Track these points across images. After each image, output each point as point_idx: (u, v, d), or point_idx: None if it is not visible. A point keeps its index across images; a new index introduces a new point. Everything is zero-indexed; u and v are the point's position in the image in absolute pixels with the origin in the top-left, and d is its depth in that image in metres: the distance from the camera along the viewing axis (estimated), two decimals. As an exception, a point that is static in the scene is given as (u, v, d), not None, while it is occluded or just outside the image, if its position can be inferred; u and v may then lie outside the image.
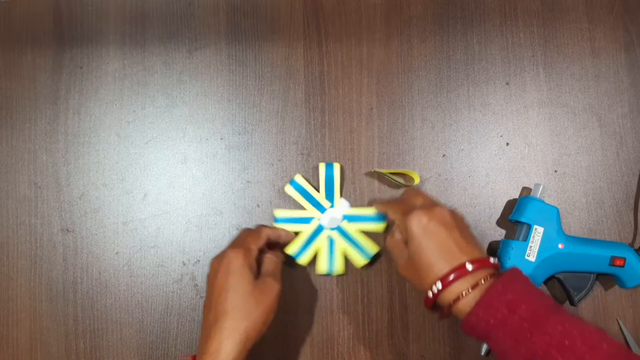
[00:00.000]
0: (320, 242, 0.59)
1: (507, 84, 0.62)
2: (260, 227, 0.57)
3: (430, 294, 0.47)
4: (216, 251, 0.59)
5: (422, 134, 0.62)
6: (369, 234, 0.60)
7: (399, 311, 0.60)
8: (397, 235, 0.52)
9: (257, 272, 0.52)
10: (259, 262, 0.54)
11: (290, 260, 0.60)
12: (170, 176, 0.62)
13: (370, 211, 0.59)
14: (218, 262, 0.51)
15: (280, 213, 0.60)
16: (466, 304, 0.46)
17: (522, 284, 0.45)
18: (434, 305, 0.48)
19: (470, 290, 0.45)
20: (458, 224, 0.49)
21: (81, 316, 0.61)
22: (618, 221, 0.60)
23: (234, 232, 0.61)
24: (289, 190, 0.60)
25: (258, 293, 0.50)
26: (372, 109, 0.62)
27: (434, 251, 0.47)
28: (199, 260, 0.61)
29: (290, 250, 0.58)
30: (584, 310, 0.59)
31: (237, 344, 0.48)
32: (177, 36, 0.64)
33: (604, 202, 0.60)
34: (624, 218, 0.60)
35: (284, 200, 0.61)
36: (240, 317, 0.48)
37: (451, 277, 0.46)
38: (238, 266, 0.50)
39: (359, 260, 0.58)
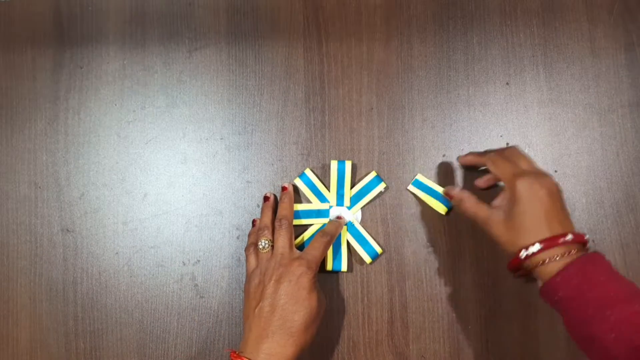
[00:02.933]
0: (346, 239, 0.60)
1: (507, 84, 0.62)
2: (330, 236, 0.56)
3: (523, 254, 0.49)
4: (216, 251, 0.60)
5: (422, 134, 0.62)
6: (374, 234, 0.60)
7: (399, 311, 0.60)
8: (474, 199, 0.54)
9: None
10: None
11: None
12: (170, 176, 0.62)
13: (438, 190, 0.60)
14: (303, 272, 0.52)
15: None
16: (550, 270, 0.48)
17: (599, 268, 0.47)
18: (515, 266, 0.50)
19: (558, 258, 0.47)
20: (561, 196, 0.51)
21: (81, 316, 0.60)
22: (618, 221, 0.60)
23: (234, 232, 0.61)
24: (299, 183, 0.60)
25: (318, 320, 0.53)
26: (372, 109, 0.62)
27: (540, 217, 0.49)
28: (199, 260, 0.61)
29: (329, 266, 0.59)
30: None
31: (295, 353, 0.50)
32: (177, 36, 0.63)
33: (604, 202, 0.60)
34: (624, 218, 0.60)
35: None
36: (294, 343, 0.50)
37: (552, 242, 0.48)
38: (318, 288, 0.53)
39: (366, 258, 0.59)
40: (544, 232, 0.48)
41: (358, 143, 0.62)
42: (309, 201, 0.61)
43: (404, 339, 0.59)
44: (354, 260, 0.60)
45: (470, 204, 0.55)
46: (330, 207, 0.60)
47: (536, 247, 0.48)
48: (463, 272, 0.60)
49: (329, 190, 0.60)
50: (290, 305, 0.50)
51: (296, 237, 0.59)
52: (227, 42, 0.63)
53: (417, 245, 0.60)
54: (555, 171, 0.61)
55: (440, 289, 0.60)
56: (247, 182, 0.62)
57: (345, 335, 0.60)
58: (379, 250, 0.59)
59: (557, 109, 0.62)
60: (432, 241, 0.60)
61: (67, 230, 0.62)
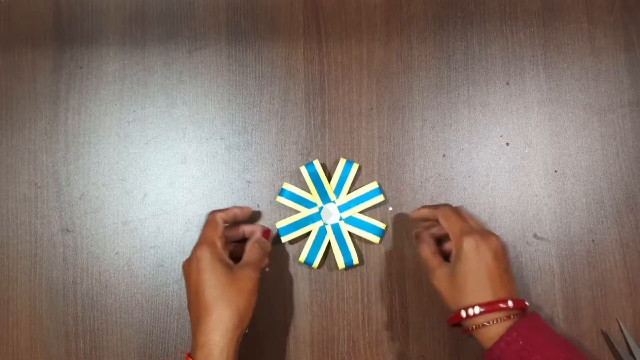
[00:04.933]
0: (329, 239, 0.60)
1: (507, 84, 0.62)
2: (213, 215, 0.55)
3: (463, 314, 0.49)
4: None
5: (422, 133, 0.62)
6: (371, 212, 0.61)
7: (399, 311, 0.60)
8: (432, 248, 0.54)
9: (236, 258, 0.54)
10: (238, 250, 0.55)
11: (290, 260, 0.60)
12: (171, 176, 0.62)
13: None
14: (188, 264, 0.52)
15: (280, 224, 0.60)
16: (491, 335, 0.47)
17: (537, 333, 0.47)
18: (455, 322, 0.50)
19: (498, 322, 0.47)
20: (506, 258, 0.51)
21: (81, 316, 0.60)
22: (618, 221, 0.60)
23: (234, 232, 0.61)
24: (281, 200, 0.60)
25: (235, 282, 0.50)
26: (372, 109, 0.62)
27: (482, 278, 0.49)
28: (199, 260, 0.61)
29: (302, 258, 0.59)
30: (584, 310, 0.59)
31: (225, 333, 0.48)
32: (177, 36, 0.63)
33: (604, 202, 0.60)
34: (624, 218, 0.60)
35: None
36: (223, 308, 0.49)
37: (493, 307, 0.48)
38: (207, 261, 0.51)
39: (374, 239, 0.59)
40: (485, 295, 0.48)
41: (358, 143, 0.62)
42: (296, 211, 0.60)
43: (404, 339, 0.59)
44: (357, 257, 0.60)
45: (427, 251, 0.54)
46: (321, 208, 0.60)
47: (477, 310, 0.48)
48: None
49: (327, 186, 0.60)
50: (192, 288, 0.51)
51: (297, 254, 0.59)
52: (227, 42, 0.63)
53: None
54: (555, 171, 0.61)
55: (440, 289, 0.60)
56: (247, 182, 0.62)
57: (345, 335, 0.60)
58: (355, 260, 0.59)
59: (557, 109, 0.61)
60: (432, 241, 0.60)
61: (67, 230, 0.62)
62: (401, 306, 0.60)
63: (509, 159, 0.61)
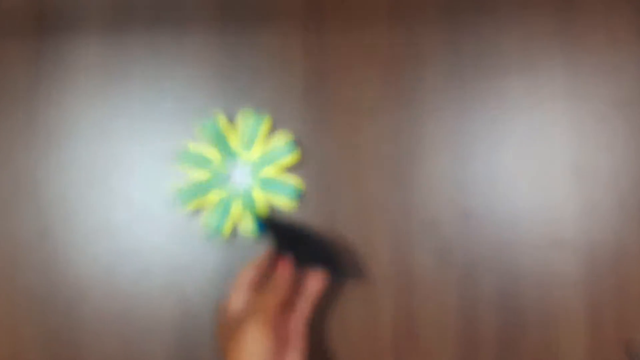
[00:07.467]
0: (239, 204, 0.58)
1: (523, 76, 0.60)
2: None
3: None
4: (204, 257, 0.59)
5: (431, 131, 0.60)
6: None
7: (405, 323, 0.58)
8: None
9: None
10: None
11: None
12: (157, 175, 0.61)
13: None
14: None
15: (180, 189, 0.59)
16: None
17: None
18: None
19: None
20: None
21: (61, 325, 0.60)
22: (642, 223, 0.59)
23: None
24: (182, 166, 0.59)
25: None
26: (376, 104, 0.61)
27: None
28: (186, 266, 0.60)
29: (208, 227, 0.58)
30: (606, 319, 0.58)
31: None
32: (164, 24, 0.62)
33: (627, 203, 0.59)
34: (649, 220, 0.59)
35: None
36: None
37: None
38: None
39: (288, 202, 0.58)
40: None
41: (362, 141, 0.60)
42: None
43: (408, 354, 0.58)
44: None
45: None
46: (227, 169, 0.59)
47: None
48: (479, 283, 0.58)
49: (235, 144, 0.59)
50: None
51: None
52: (218, 30, 0.62)
53: (426, 254, 0.59)
54: (577, 170, 0.59)
55: (451, 300, 0.59)
56: (242, 181, 0.61)
57: (348, 350, 0.58)
58: (296, 185, 0.58)
59: (577, 103, 0.60)
60: (444, 249, 0.59)
61: (46, 233, 0.61)
62: (407, 317, 0.59)
63: (527, 157, 0.60)
